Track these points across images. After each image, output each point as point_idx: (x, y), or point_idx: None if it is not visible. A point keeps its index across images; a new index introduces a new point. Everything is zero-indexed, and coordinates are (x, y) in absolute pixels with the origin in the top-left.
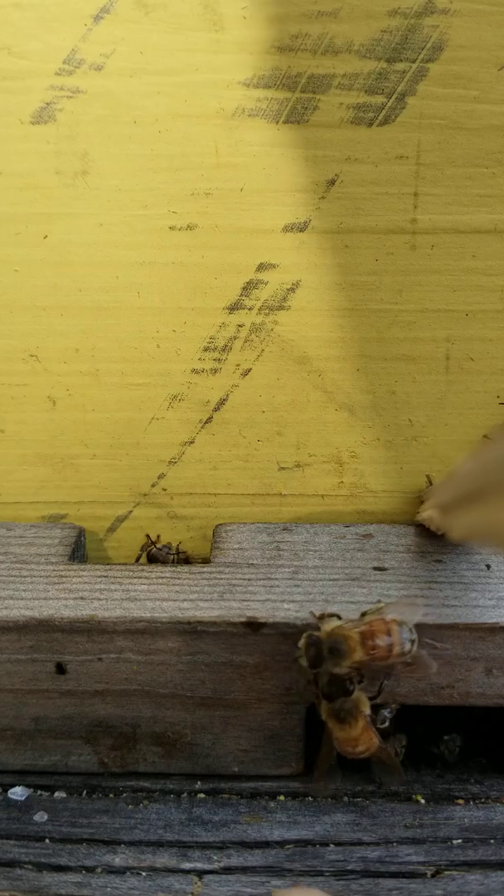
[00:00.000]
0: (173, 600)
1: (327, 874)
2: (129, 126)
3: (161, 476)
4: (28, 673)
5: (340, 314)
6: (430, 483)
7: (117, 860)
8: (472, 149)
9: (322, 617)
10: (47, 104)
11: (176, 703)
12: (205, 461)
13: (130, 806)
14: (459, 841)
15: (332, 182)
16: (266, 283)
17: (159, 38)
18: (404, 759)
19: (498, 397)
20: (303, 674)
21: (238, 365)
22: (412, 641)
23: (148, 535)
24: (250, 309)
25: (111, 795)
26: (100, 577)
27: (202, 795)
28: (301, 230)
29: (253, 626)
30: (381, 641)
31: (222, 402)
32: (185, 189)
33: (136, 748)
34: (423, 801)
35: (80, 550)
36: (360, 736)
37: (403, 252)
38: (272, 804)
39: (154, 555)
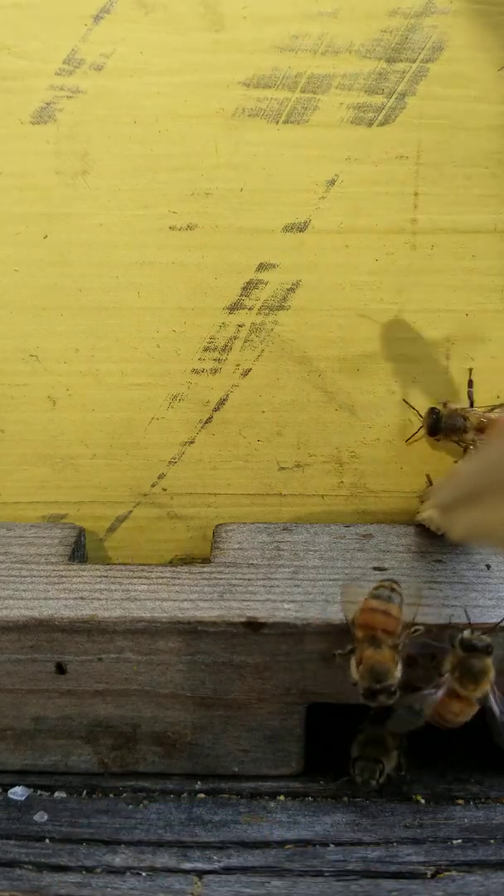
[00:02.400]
0: (173, 600)
1: (327, 874)
2: (129, 126)
3: (161, 476)
4: (28, 673)
5: (340, 314)
6: (430, 483)
7: (117, 860)
8: (472, 149)
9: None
10: (47, 104)
11: (176, 703)
12: (205, 461)
13: (130, 806)
14: (459, 841)
15: (332, 182)
16: (266, 283)
17: (159, 38)
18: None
19: (498, 397)
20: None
21: (238, 365)
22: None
23: None
24: (250, 309)
25: (111, 795)
26: (100, 577)
27: (202, 795)
28: (301, 230)
29: (253, 626)
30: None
31: (222, 402)
32: (185, 189)
33: (136, 748)
34: (423, 801)
35: (80, 550)
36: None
37: (403, 252)
38: (272, 804)
39: None
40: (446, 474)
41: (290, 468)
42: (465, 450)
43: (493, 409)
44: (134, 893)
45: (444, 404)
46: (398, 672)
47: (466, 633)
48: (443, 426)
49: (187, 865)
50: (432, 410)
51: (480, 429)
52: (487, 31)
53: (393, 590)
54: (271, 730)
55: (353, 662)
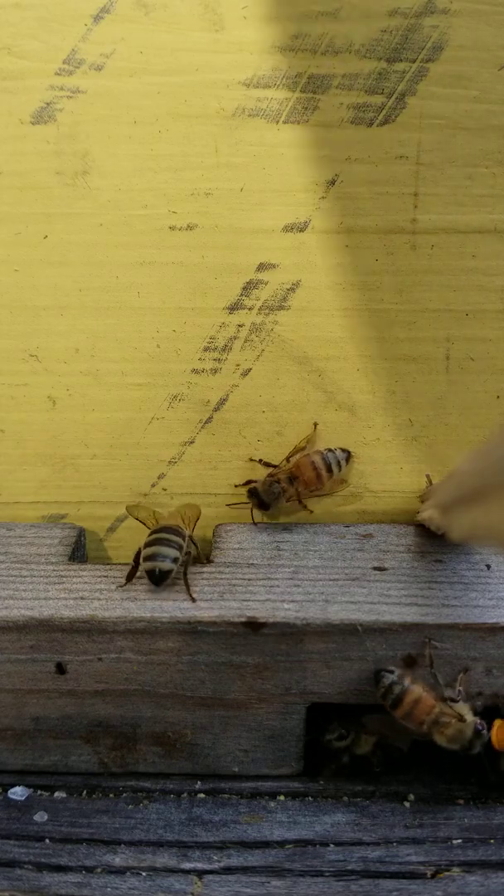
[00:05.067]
0: (173, 600)
1: (327, 874)
2: (129, 126)
3: (161, 476)
4: (28, 673)
5: (340, 314)
6: (430, 483)
7: (117, 860)
8: (472, 149)
9: None
10: (47, 104)
11: (176, 703)
12: (205, 461)
13: (130, 806)
14: (459, 841)
15: (332, 182)
16: (266, 283)
17: (159, 38)
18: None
19: (498, 397)
20: None
21: (238, 365)
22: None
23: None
24: (250, 309)
25: (111, 795)
26: (100, 577)
27: (202, 795)
28: (301, 230)
29: (253, 626)
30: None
31: (222, 402)
32: (185, 189)
33: (136, 748)
34: (422, 801)
35: (80, 550)
36: None
37: (403, 252)
38: (272, 804)
39: None
40: (446, 474)
41: None
42: (300, 500)
43: (294, 452)
44: (134, 893)
45: (254, 482)
46: (469, 716)
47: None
48: (266, 500)
49: (187, 865)
50: (251, 493)
51: (294, 477)
52: (487, 31)
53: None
54: (271, 730)
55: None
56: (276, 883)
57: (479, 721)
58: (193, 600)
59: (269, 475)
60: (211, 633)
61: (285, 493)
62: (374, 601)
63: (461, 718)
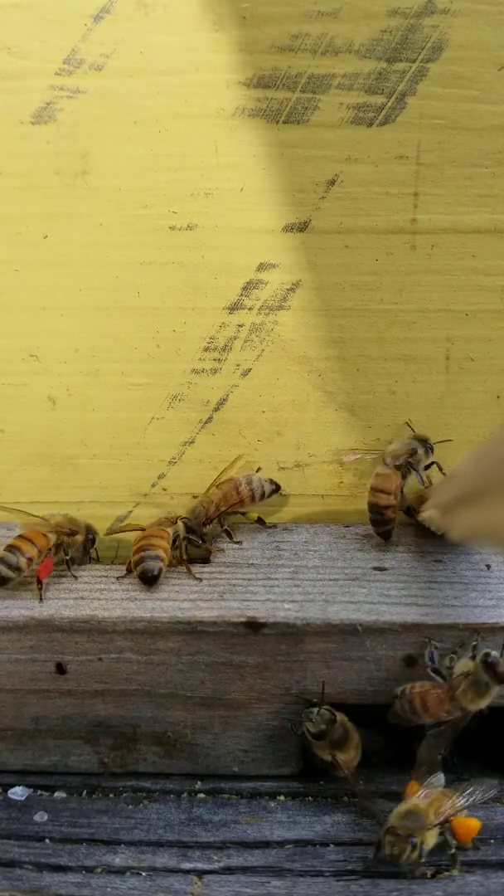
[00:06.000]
0: (173, 600)
1: (327, 874)
2: (129, 126)
3: (161, 476)
4: (28, 673)
5: (340, 314)
6: (430, 483)
7: (117, 860)
8: (472, 149)
9: None
10: (47, 104)
11: (176, 703)
12: (205, 461)
13: (130, 806)
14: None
15: (332, 182)
16: (266, 283)
17: (159, 38)
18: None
19: (498, 397)
20: None
21: (238, 365)
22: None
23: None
24: (250, 309)
25: (111, 795)
26: (100, 577)
27: (202, 795)
28: (301, 230)
29: (253, 626)
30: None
31: (222, 402)
32: (185, 189)
33: (136, 748)
34: None
35: None
36: None
37: (403, 252)
38: (272, 804)
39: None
40: (446, 474)
41: (290, 468)
42: (223, 526)
43: (219, 482)
44: (134, 893)
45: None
46: (470, 665)
47: (495, 653)
48: (194, 524)
49: (187, 865)
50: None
51: (223, 500)
52: (487, 31)
53: None
54: (271, 730)
55: None
56: (276, 883)
57: (481, 659)
58: (193, 575)
59: (199, 502)
60: (211, 633)
61: (206, 514)
62: (374, 601)
63: (467, 674)
